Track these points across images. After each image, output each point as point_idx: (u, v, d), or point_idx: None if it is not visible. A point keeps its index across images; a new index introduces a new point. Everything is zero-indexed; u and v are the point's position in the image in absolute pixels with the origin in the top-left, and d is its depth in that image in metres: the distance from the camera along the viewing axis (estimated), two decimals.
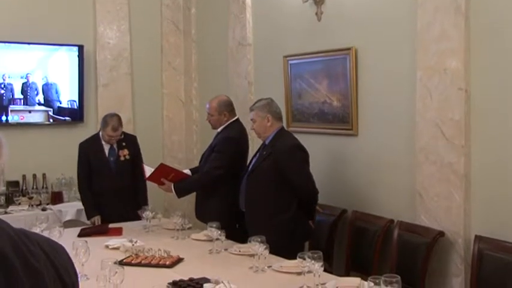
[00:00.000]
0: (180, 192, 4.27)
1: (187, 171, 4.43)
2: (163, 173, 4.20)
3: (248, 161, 4.19)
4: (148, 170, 4.30)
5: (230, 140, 4.20)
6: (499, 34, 3.40)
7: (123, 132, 4.78)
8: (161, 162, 4.45)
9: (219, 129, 4.32)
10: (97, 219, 4.67)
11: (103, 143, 4.73)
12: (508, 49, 3.35)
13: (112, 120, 4.64)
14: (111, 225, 4.35)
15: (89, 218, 4.77)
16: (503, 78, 3.38)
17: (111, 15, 6.15)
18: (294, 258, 2.97)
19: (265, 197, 3.83)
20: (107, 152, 4.75)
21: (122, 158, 4.76)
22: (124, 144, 4.79)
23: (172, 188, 4.19)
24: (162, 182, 4.20)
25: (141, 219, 4.51)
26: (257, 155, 4.03)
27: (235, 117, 4.35)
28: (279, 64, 5.05)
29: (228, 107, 4.32)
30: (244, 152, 4.34)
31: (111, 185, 4.67)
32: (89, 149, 4.78)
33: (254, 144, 4.96)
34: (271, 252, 3.22)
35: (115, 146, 4.76)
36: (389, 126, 4.13)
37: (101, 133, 4.75)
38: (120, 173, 4.70)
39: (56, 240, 2.95)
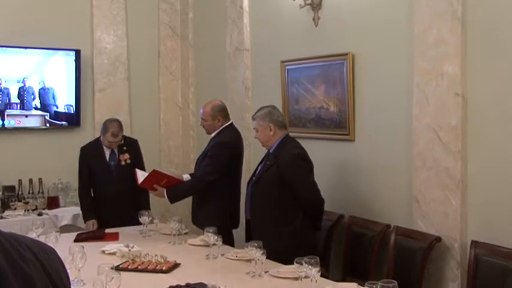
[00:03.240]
0: (173, 198, 4.25)
1: (186, 176, 4.41)
2: (155, 179, 4.18)
3: (252, 169, 4.17)
4: (141, 175, 4.28)
5: (222, 145, 4.19)
6: (495, 39, 3.41)
7: (124, 136, 4.79)
8: (153, 169, 4.45)
9: (213, 134, 4.31)
10: (93, 223, 4.69)
11: (104, 147, 4.75)
12: (504, 54, 3.36)
13: (112, 125, 4.65)
14: (107, 231, 4.34)
15: (85, 221, 4.80)
16: (500, 84, 3.39)
17: (108, 19, 6.15)
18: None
19: (271, 206, 3.79)
20: (107, 156, 4.77)
21: (123, 163, 4.77)
22: (125, 148, 4.81)
23: (165, 194, 4.18)
24: (154, 188, 4.18)
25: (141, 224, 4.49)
26: (262, 163, 3.99)
27: (229, 122, 4.35)
28: (276, 69, 5.05)
29: (221, 112, 4.31)
30: (238, 157, 4.33)
31: (112, 190, 4.68)
32: (90, 153, 4.80)
33: (252, 149, 4.96)
34: (278, 261, 3.22)
35: (116, 150, 4.77)
36: (386, 131, 4.13)
37: (101, 138, 4.75)
38: (121, 178, 4.70)
39: (52, 245, 2.94)
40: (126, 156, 4.79)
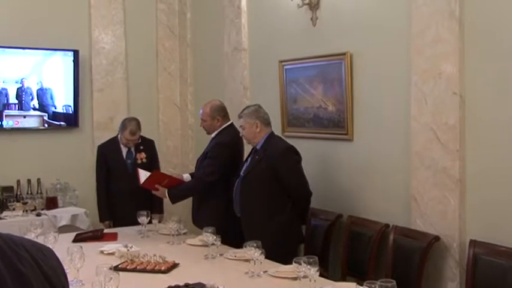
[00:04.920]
0: (174, 199, 4.29)
1: (187, 176, 4.43)
2: (157, 179, 4.21)
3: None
4: (143, 175, 4.30)
5: (222, 146, 4.22)
6: (493, 38, 3.41)
7: (141, 136, 4.88)
8: (155, 170, 4.45)
9: (213, 135, 4.33)
10: (109, 224, 4.79)
11: (121, 145, 4.84)
12: (502, 54, 3.36)
13: (130, 124, 4.76)
14: (106, 231, 4.36)
15: (101, 221, 4.91)
16: (498, 83, 3.39)
17: (106, 20, 6.14)
18: (290, 260, 2.97)
19: (260, 201, 3.86)
20: (124, 154, 4.86)
21: (139, 161, 4.85)
22: (142, 147, 4.90)
23: (167, 194, 4.19)
24: (156, 188, 4.21)
25: (151, 223, 4.47)
26: (248, 160, 4.05)
27: (229, 122, 4.36)
28: (274, 69, 5.05)
29: (221, 112, 4.33)
30: (238, 157, 4.34)
31: (127, 187, 4.73)
32: (107, 151, 4.90)
33: (249, 149, 4.95)
34: (267, 255, 3.23)
35: (133, 149, 4.87)
36: (385, 130, 4.13)
37: (119, 136, 4.83)
38: (136, 176, 4.71)
39: (51, 245, 2.93)
40: (143, 155, 4.88)
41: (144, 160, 4.85)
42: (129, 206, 4.67)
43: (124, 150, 4.86)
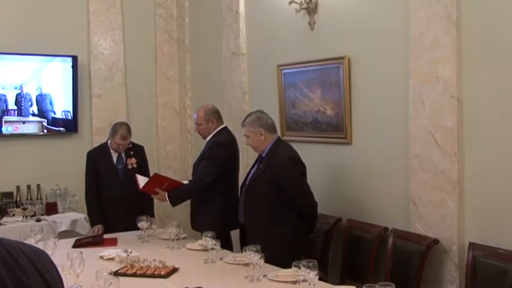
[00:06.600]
0: (174, 201, 4.28)
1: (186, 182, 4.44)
2: (157, 182, 4.22)
3: (246, 174, 4.18)
4: (142, 180, 4.31)
5: (219, 145, 4.23)
6: (490, 42, 3.43)
7: (131, 142, 4.87)
8: (155, 172, 4.45)
9: (208, 138, 4.35)
10: (99, 228, 4.75)
11: (111, 151, 4.82)
12: (499, 57, 3.38)
13: (121, 128, 4.75)
14: (106, 236, 4.36)
15: (92, 226, 4.88)
16: (495, 86, 3.41)
17: (105, 25, 6.16)
18: None
19: (265, 209, 3.81)
20: (115, 159, 4.85)
21: (130, 167, 4.84)
22: (132, 153, 4.89)
23: (167, 197, 4.19)
24: (155, 192, 4.21)
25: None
26: (254, 167, 4.02)
27: (223, 125, 4.39)
28: (272, 73, 5.07)
29: (215, 115, 4.37)
30: (235, 157, 4.36)
31: (118, 192, 4.74)
32: (97, 157, 4.88)
33: (249, 153, 4.97)
34: (272, 263, 3.22)
35: (123, 154, 4.85)
36: (383, 134, 4.14)
37: (109, 141, 4.83)
38: (127, 181, 4.72)
39: (50, 251, 2.93)
40: (133, 160, 4.88)
41: (135, 165, 4.84)
42: (120, 211, 4.69)
43: (114, 156, 4.84)
